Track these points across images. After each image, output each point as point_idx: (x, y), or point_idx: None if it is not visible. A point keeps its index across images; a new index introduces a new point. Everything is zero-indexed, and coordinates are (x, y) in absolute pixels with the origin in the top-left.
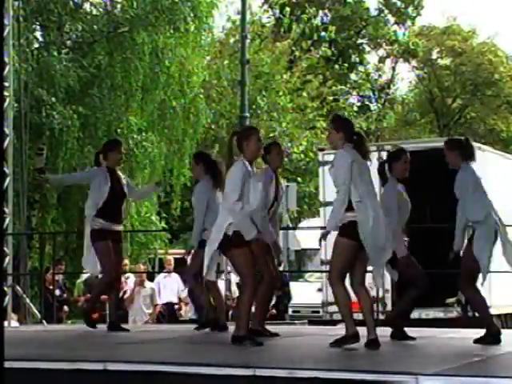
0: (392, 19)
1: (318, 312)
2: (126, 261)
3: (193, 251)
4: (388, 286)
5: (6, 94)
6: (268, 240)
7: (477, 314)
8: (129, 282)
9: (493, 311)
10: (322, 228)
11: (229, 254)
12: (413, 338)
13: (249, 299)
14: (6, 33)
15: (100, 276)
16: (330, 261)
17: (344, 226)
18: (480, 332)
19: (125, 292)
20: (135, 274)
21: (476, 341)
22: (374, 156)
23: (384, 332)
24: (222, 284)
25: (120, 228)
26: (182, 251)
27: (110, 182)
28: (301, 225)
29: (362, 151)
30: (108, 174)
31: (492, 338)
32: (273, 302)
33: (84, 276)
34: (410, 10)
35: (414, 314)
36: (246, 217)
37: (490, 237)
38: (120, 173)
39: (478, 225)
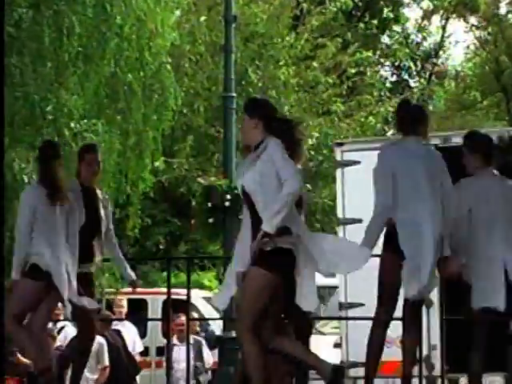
0: None
1: None
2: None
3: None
4: (436, 339)
5: None
6: None
7: None
8: (64, 333)
9: None
10: None
11: None
12: None
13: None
14: None
15: None
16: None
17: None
18: None
19: (56, 349)
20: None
21: None
22: None
23: None
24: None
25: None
26: (140, 289)
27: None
28: None
29: (291, 144)
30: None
31: None
32: None
33: None
34: None
35: None
36: None
37: None
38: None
39: None
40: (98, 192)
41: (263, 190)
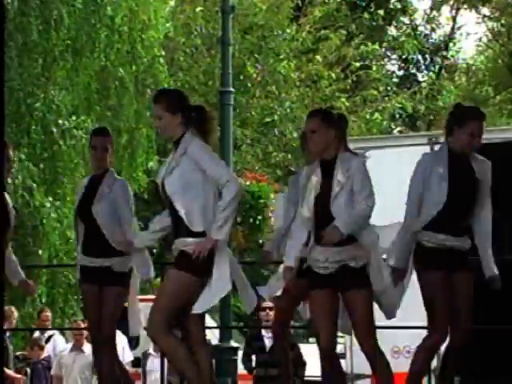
0: None
1: None
2: (48, 312)
3: None
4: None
5: None
6: None
7: None
8: (53, 343)
9: None
10: None
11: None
12: None
13: None
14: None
15: None
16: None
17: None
18: None
19: (43, 360)
20: (64, 331)
21: None
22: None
23: None
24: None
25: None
26: None
27: None
28: None
29: (207, 132)
30: None
31: None
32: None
33: None
34: None
35: None
36: None
37: None
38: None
39: None
40: (107, 178)
41: (184, 196)
